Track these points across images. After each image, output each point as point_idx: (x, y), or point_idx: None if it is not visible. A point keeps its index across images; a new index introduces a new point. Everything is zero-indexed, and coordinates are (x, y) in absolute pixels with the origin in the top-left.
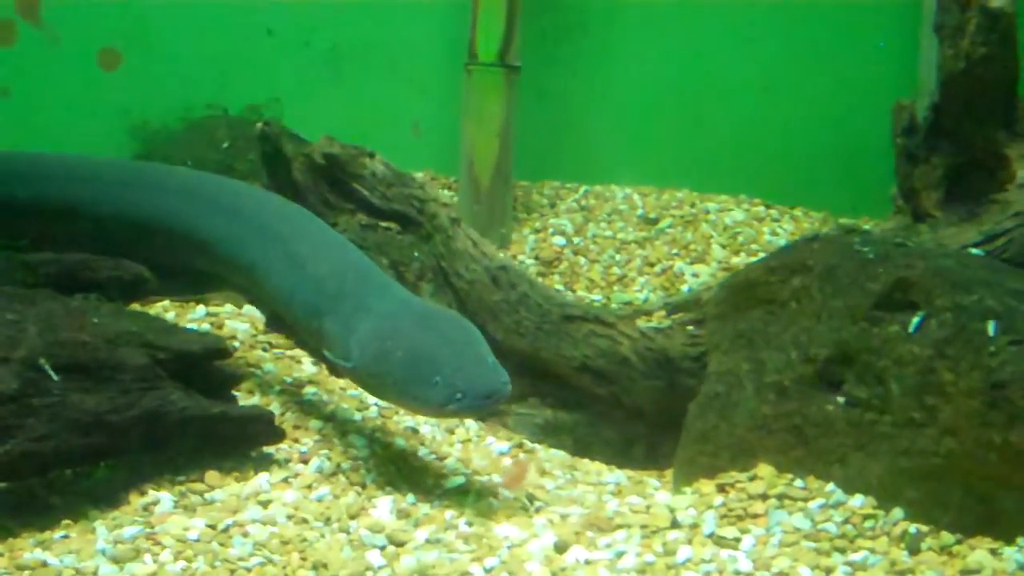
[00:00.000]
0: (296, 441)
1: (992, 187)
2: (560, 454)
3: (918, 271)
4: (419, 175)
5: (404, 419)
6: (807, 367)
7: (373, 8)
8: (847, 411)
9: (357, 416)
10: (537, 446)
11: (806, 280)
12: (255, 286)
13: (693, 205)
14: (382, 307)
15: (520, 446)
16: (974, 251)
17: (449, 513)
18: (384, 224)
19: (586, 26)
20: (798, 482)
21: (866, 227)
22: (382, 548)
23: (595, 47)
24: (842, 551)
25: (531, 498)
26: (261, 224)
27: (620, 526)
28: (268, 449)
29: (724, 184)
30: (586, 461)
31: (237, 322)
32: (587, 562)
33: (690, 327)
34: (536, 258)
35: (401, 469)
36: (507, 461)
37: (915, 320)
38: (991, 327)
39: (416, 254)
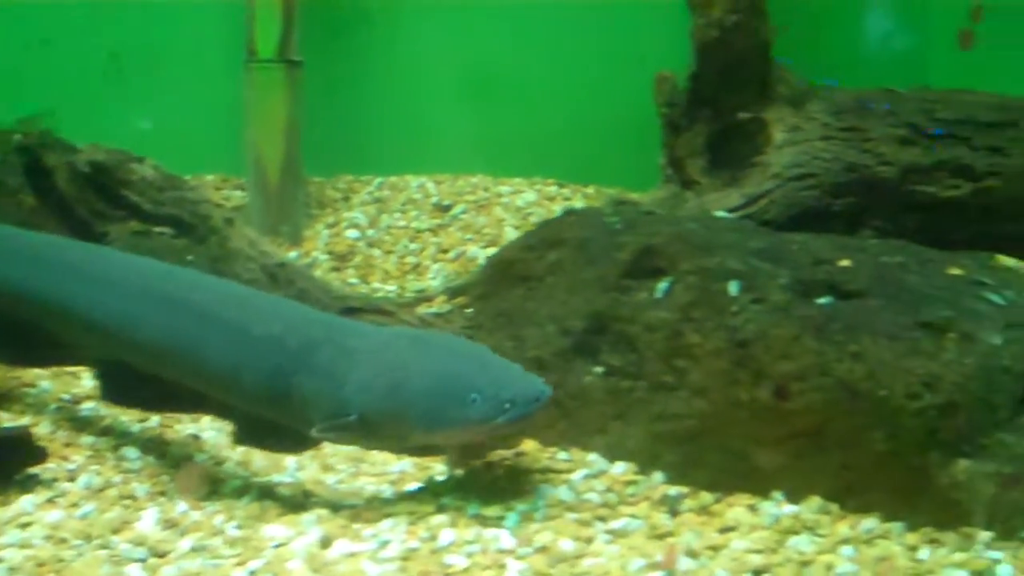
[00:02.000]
0: (65, 459)
1: (752, 151)
2: (347, 449)
3: (663, 237)
4: (210, 178)
5: (186, 427)
6: (564, 340)
7: (151, 11)
8: (604, 380)
9: (135, 428)
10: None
11: (561, 254)
12: (190, 373)
13: (487, 189)
14: (365, 344)
15: None
16: (720, 213)
17: (219, 518)
18: (158, 229)
19: (369, 18)
20: (562, 454)
21: (635, 197)
22: (143, 561)
23: (379, 39)
24: (603, 519)
25: (307, 495)
26: (167, 295)
27: (388, 515)
28: (34, 470)
29: (518, 167)
30: (375, 453)
31: None
32: (351, 555)
33: (469, 310)
34: (330, 253)
35: (175, 479)
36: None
37: (662, 286)
38: (733, 287)
39: (190, 257)
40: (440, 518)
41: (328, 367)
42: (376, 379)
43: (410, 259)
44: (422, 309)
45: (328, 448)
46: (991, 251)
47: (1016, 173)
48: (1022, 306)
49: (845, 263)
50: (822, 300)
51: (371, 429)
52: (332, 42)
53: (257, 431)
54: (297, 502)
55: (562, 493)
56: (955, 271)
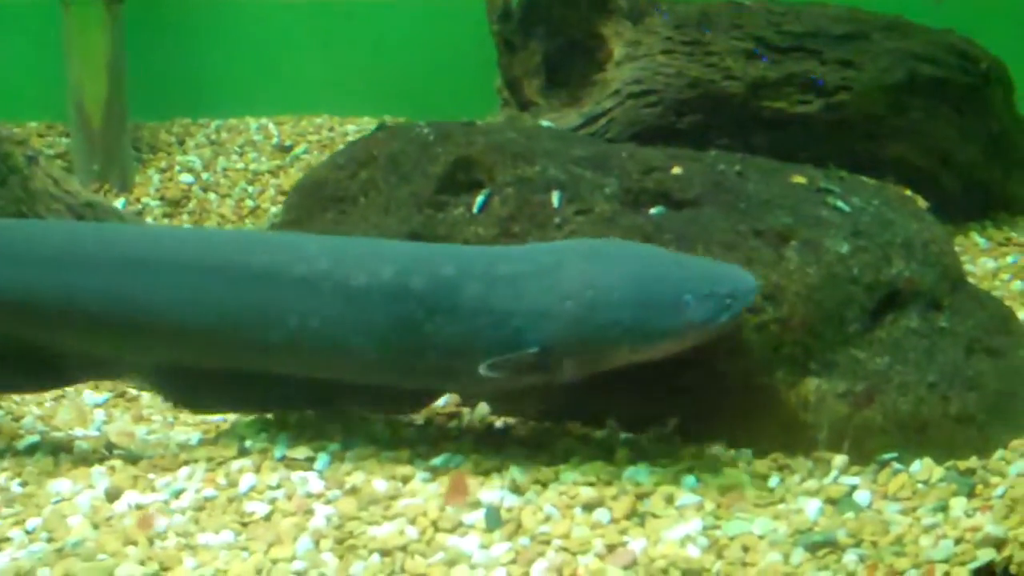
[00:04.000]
0: None
1: (592, 68)
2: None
3: (478, 147)
4: (34, 125)
5: None
6: None
7: None
8: None
9: None
10: (143, 394)
11: (372, 172)
12: (268, 355)
13: (332, 129)
14: (525, 267)
15: (122, 395)
16: (545, 123)
17: (3, 476)
18: None
19: None
20: None
21: None
22: None
23: None
24: (423, 456)
25: (111, 447)
26: (216, 265)
27: (186, 463)
28: None
29: (368, 106)
30: None
31: None
32: (138, 507)
33: None
34: (161, 198)
35: None
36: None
37: (479, 199)
38: (556, 198)
39: None
40: (242, 463)
41: (480, 304)
42: (562, 303)
43: (248, 202)
44: None
45: (145, 400)
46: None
47: (868, 87)
48: (872, 213)
49: (677, 171)
50: (653, 210)
51: (557, 360)
52: None
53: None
54: (98, 456)
55: (377, 430)
56: (798, 179)
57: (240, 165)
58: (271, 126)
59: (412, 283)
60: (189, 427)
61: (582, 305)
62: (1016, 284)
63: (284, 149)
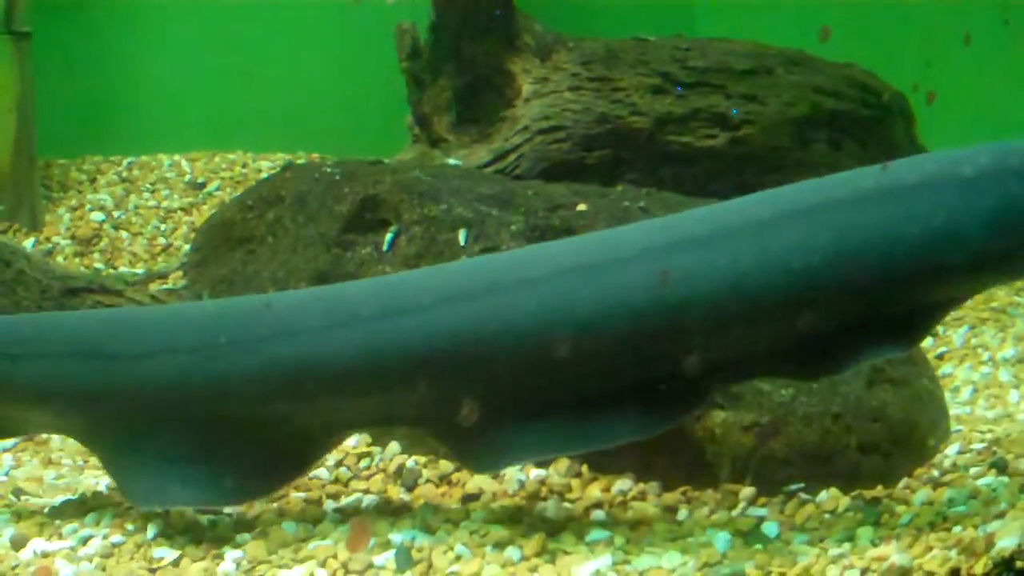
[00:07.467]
0: None
1: (502, 105)
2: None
3: (385, 186)
4: None
5: None
6: None
7: None
8: None
9: None
10: (55, 436)
11: (280, 211)
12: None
13: (245, 166)
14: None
15: (31, 439)
16: (452, 161)
17: None
18: None
19: None
20: None
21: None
22: None
23: (121, 11)
24: (334, 497)
25: (19, 492)
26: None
27: (93, 508)
28: None
29: (281, 143)
30: None
31: None
32: (44, 554)
33: (183, 281)
34: (72, 238)
35: None
36: None
37: (387, 238)
38: (462, 236)
39: None
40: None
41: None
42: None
43: (161, 240)
44: (155, 286)
45: (55, 443)
46: None
47: (773, 121)
48: None
49: (582, 207)
50: None
51: None
52: (66, 16)
53: None
54: (5, 502)
55: None
56: None
57: (152, 203)
58: (184, 163)
59: (1008, 162)
60: (99, 471)
61: None
62: None
63: (197, 186)
